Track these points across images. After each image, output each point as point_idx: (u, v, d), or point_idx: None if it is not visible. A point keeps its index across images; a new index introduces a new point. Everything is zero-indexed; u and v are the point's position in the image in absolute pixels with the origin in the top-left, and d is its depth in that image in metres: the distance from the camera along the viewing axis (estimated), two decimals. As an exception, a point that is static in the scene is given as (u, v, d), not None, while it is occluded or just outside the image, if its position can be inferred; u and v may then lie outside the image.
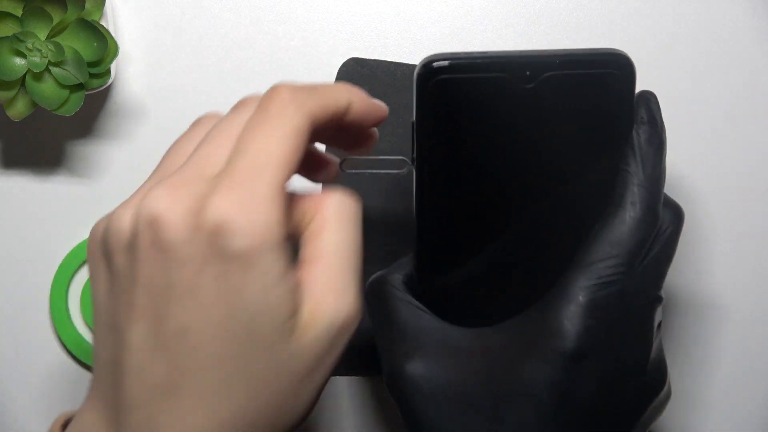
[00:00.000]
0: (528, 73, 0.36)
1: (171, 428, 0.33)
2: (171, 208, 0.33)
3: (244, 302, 0.33)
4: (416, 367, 0.37)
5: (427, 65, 0.37)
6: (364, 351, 0.46)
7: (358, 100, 0.36)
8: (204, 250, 0.32)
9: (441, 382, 0.36)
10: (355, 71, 0.49)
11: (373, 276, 0.40)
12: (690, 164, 0.50)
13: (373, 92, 0.48)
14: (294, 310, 0.33)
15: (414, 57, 0.50)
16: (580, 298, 0.36)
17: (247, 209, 0.32)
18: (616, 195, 0.37)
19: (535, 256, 0.39)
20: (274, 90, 0.35)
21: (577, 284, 0.36)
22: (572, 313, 0.36)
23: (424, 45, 0.50)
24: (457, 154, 0.38)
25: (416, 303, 0.39)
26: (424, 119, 0.37)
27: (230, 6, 0.50)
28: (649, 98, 0.38)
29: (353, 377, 0.50)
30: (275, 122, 0.34)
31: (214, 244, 0.32)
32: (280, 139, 0.34)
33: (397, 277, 0.40)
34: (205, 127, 0.37)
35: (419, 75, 0.37)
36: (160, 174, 0.36)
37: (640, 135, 0.37)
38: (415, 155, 0.38)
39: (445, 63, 0.36)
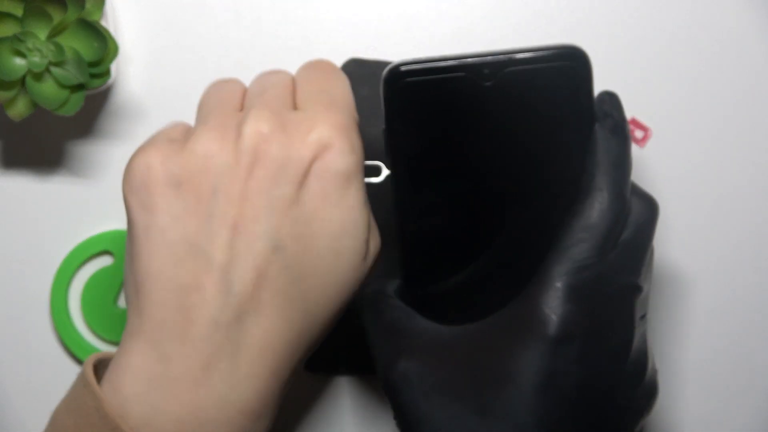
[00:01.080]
0: (486, 71, 0.38)
1: (252, 344, 0.36)
2: (275, 129, 0.36)
3: (339, 218, 0.36)
4: (407, 364, 0.37)
5: (392, 70, 0.39)
6: (365, 351, 0.46)
7: None
8: (308, 166, 0.36)
9: (430, 376, 0.37)
10: (355, 72, 0.49)
11: (366, 289, 0.41)
12: (685, 158, 0.50)
13: (374, 92, 0.49)
14: (369, 233, 0.38)
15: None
16: (558, 283, 0.36)
17: (345, 134, 0.37)
18: (583, 183, 0.38)
19: (514, 251, 0.40)
20: (320, 60, 0.41)
21: (554, 270, 0.37)
22: (551, 298, 0.36)
23: (425, 45, 0.50)
24: (429, 155, 0.39)
25: (406, 307, 0.40)
26: (394, 124, 0.39)
27: (230, 6, 0.50)
28: (611, 96, 0.39)
29: (353, 377, 0.51)
30: (337, 78, 0.39)
31: (320, 161, 0.36)
32: (346, 89, 0.39)
33: (388, 287, 0.41)
34: (232, 86, 0.40)
35: (386, 80, 0.39)
36: (218, 113, 0.38)
37: (604, 126, 0.38)
38: (389, 160, 0.40)
39: (409, 67, 0.38)
